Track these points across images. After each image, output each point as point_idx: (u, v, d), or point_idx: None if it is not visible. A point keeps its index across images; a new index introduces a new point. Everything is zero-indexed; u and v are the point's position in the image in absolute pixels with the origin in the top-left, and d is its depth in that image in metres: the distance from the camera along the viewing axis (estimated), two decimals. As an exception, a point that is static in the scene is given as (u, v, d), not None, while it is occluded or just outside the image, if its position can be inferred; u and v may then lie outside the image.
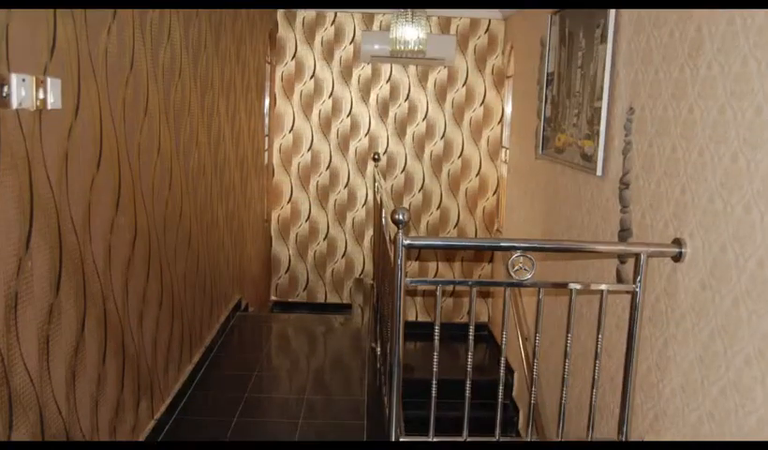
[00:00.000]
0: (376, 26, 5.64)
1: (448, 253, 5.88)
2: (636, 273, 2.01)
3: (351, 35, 5.67)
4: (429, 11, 5.42)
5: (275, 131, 5.77)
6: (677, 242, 1.99)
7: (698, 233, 1.91)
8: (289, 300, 6.02)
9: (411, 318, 5.95)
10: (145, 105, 2.53)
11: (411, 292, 5.89)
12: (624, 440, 2.09)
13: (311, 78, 5.73)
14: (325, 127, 5.80)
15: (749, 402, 1.65)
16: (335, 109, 5.78)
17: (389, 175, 5.86)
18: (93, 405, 2.15)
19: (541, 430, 3.39)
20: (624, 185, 2.45)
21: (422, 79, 5.74)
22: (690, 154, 1.97)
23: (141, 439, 2.59)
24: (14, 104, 1.61)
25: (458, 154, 5.83)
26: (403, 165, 5.86)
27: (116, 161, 2.26)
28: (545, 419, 3.43)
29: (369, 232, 5.88)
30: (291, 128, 5.79)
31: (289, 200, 5.91)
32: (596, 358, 2.10)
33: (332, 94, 5.76)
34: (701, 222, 1.90)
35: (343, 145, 5.83)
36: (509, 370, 4.39)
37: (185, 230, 3.17)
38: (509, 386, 4.38)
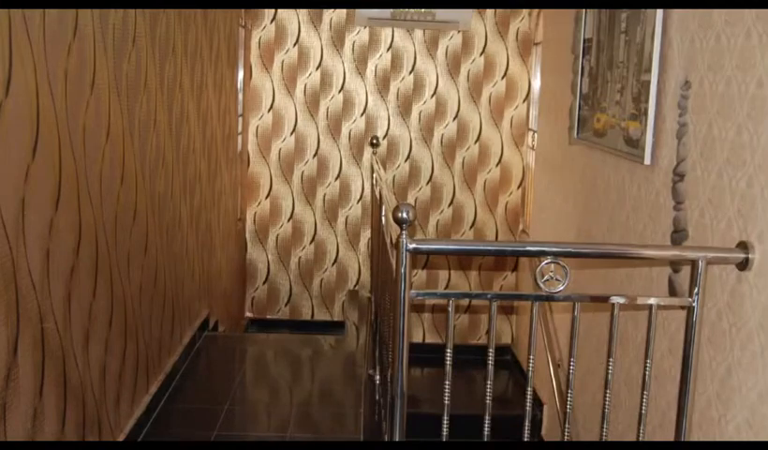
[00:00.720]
0: (374, -18, 5.65)
1: (462, 260, 5.88)
2: (693, 284, 2.01)
3: (344, -8, 5.68)
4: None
5: (251, 110, 5.78)
6: (743, 246, 1.99)
7: (768, 236, 1.91)
8: (268, 317, 6.02)
9: (417, 339, 5.95)
10: (92, 78, 2.53)
11: (417, 308, 5.88)
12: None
13: (295, 45, 5.73)
14: (312, 105, 5.80)
15: (831, 442, 1.65)
16: (324, 83, 5.78)
17: (390, 164, 5.86)
18: (28, 446, 2.15)
19: (577, 477, 3.39)
20: (678, 176, 2.45)
21: (431, 46, 5.74)
22: (760, 138, 1.97)
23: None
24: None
25: (475, 138, 5.84)
26: (407, 152, 5.86)
27: (56, 147, 2.26)
28: (581, 463, 3.42)
29: (366, 234, 5.88)
30: (271, 107, 5.79)
31: (268, 194, 5.91)
32: (643, 388, 2.10)
33: (320, 65, 5.76)
34: (772, 222, 1.90)
35: (333, 128, 5.83)
36: (538, 403, 4.39)
37: (141, 231, 3.17)
38: (537, 423, 4.38)
